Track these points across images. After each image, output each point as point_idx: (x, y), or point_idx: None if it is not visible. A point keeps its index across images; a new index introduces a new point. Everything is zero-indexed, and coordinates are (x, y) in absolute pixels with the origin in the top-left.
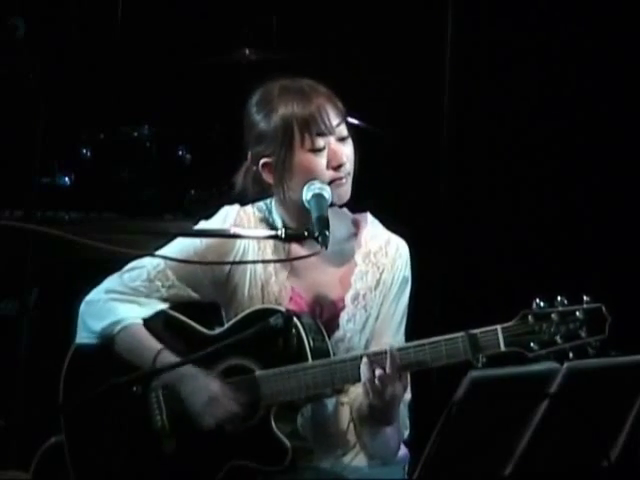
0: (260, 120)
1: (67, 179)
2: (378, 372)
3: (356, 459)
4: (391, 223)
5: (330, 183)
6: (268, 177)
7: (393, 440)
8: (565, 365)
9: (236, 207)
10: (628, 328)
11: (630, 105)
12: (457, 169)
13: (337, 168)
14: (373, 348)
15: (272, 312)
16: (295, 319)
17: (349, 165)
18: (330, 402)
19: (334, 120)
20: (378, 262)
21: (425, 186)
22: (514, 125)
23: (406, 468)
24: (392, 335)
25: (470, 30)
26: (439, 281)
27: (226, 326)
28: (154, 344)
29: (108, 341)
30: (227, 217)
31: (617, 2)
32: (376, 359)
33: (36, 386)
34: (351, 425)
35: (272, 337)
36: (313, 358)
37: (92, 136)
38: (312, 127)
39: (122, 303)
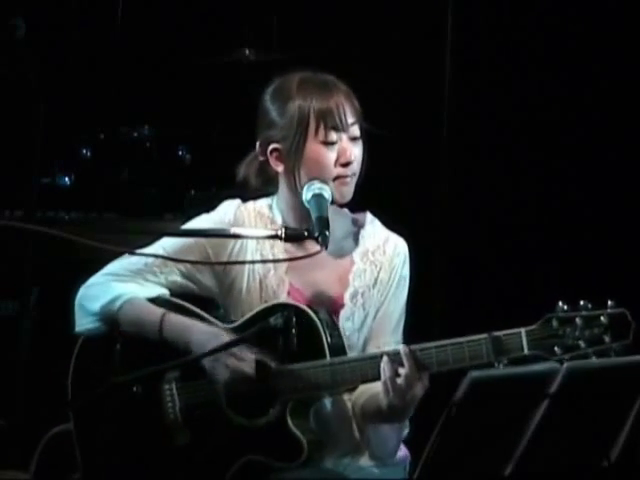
0: (276, 107)
1: (67, 179)
2: (401, 371)
3: (358, 457)
4: (391, 223)
5: (335, 179)
6: (275, 164)
7: (394, 437)
8: (565, 365)
9: (237, 202)
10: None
11: (633, 104)
12: (457, 169)
13: (344, 166)
14: (371, 347)
15: (289, 308)
16: (313, 315)
17: (356, 165)
18: (335, 399)
19: (350, 118)
20: (376, 260)
21: (425, 186)
22: (515, 125)
23: (407, 468)
24: (390, 334)
25: (470, 30)
26: (439, 282)
27: (243, 319)
28: (157, 310)
29: (111, 320)
30: (227, 212)
31: (617, 2)
32: (396, 358)
33: (36, 386)
34: (354, 422)
35: (288, 333)
36: (331, 354)
37: (92, 136)
38: (328, 119)
39: (121, 282)
